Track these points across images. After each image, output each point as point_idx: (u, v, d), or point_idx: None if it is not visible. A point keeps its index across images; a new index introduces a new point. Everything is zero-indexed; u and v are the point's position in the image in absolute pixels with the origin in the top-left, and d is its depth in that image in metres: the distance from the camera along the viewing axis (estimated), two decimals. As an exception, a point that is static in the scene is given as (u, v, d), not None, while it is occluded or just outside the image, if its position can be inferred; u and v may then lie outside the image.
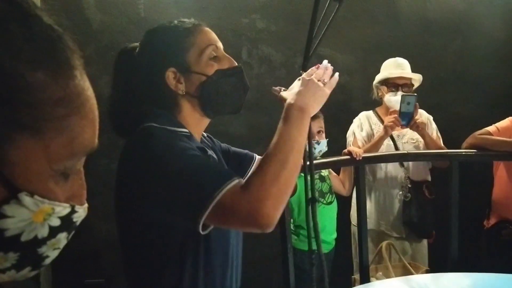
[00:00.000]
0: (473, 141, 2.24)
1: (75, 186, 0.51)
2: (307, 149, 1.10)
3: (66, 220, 0.50)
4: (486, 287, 1.75)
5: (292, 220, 2.38)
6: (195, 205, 0.89)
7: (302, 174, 1.10)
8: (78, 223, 0.52)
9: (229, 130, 2.85)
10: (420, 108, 2.54)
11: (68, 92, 0.46)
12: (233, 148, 1.32)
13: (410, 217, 2.39)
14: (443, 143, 2.47)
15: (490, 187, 2.47)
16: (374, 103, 2.59)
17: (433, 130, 2.51)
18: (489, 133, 2.26)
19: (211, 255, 1.06)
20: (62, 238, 0.51)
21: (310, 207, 1.06)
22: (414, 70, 2.55)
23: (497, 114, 2.47)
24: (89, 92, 0.49)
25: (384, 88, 2.47)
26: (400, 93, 2.38)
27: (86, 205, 0.53)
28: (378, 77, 2.51)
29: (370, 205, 2.46)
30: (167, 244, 1.02)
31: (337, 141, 2.53)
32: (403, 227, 2.44)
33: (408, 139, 2.47)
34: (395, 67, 2.49)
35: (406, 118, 2.28)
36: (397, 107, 2.33)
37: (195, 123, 1.11)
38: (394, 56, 2.55)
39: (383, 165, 2.45)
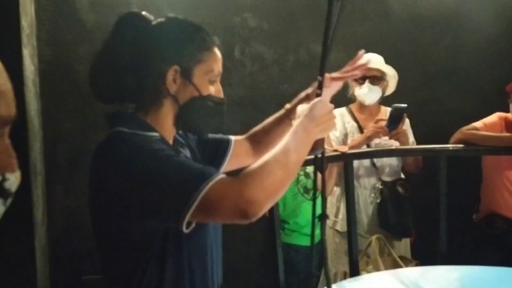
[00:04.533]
0: (460, 136, 2.25)
1: (1, 155, 0.54)
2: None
3: None
4: (475, 280, 1.77)
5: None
6: (179, 203, 0.89)
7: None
8: (13, 190, 0.56)
9: (221, 127, 2.87)
10: (411, 104, 2.54)
11: None
12: (209, 141, 1.28)
13: (387, 220, 2.33)
14: (434, 139, 2.47)
15: (479, 181, 2.49)
16: (350, 101, 2.52)
17: (411, 134, 2.46)
18: (476, 129, 2.27)
19: (192, 257, 1.06)
20: None
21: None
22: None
23: (488, 110, 2.47)
24: None
25: (353, 82, 2.40)
26: (367, 84, 2.34)
27: (18, 172, 0.56)
28: None
29: (343, 208, 2.38)
30: (146, 249, 1.01)
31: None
32: (380, 230, 2.36)
33: (381, 140, 2.41)
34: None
35: (391, 128, 2.29)
36: (365, 100, 2.34)
37: (166, 127, 1.09)
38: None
39: (354, 164, 2.32)
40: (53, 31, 2.69)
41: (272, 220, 1.82)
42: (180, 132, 1.22)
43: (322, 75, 1.08)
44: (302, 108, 1.08)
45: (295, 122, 1.04)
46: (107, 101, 1.09)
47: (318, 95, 1.09)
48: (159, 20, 1.09)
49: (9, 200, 0.56)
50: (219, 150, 1.29)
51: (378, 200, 2.36)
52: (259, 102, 2.94)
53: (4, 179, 0.54)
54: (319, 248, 2.46)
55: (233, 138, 1.33)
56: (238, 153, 1.33)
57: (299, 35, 2.96)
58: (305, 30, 2.94)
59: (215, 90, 1.10)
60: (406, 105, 2.32)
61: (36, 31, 2.66)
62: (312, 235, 1.02)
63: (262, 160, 0.95)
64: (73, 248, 2.76)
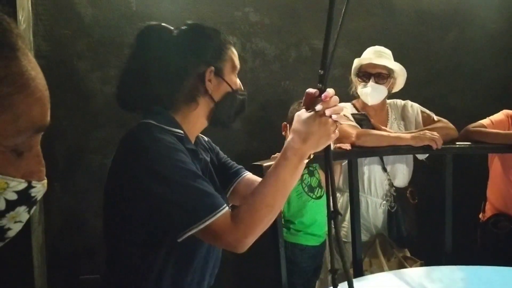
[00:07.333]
0: (467, 133, 2.23)
1: (31, 163, 0.53)
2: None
3: (23, 195, 0.52)
4: (481, 280, 1.76)
5: (282, 214, 2.37)
6: (183, 223, 0.99)
7: None
8: (38, 198, 0.55)
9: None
10: (416, 100, 2.48)
11: (9, 72, 0.47)
12: (224, 159, 1.36)
13: (399, 231, 2.23)
14: None
15: (486, 180, 2.46)
16: (352, 97, 2.41)
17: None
18: (483, 126, 2.24)
19: (193, 257, 1.12)
20: (22, 212, 0.53)
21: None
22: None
23: (493, 106, 2.45)
24: (34, 72, 0.50)
25: (356, 79, 2.26)
26: (371, 84, 2.17)
27: (45, 181, 0.55)
28: (353, 68, 2.30)
29: (348, 216, 2.18)
30: (150, 244, 1.07)
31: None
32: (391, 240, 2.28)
33: None
34: (370, 54, 2.26)
35: None
36: (368, 100, 2.18)
37: (196, 125, 1.18)
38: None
39: (366, 170, 2.26)
40: (51, 26, 2.65)
41: (275, 221, 1.78)
42: (207, 141, 1.32)
43: (323, 68, 0.95)
44: (297, 119, 1.05)
45: (287, 140, 1.06)
46: (136, 109, 1.17)
47: (320, 90, 0.99)
48: (182, 28, 1.17)
49: (34, 208, 0.55)
50: (225, 177, 1.33)
51: (393, 209, 2.24)
52: (260, 98, 2.91)
53: (30, 187, 0.53)
54: (322, 249, 2.46)
55: (242, 173, 1.36)
56: (243, 190, 1.34)
57: (300, 30, 2.93)
58: (307, 25, 2.91)
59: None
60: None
61: (33, 25, 2.63)
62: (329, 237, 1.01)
63: (255, 208, 1.03)
64: (71, 247, 2.73)
